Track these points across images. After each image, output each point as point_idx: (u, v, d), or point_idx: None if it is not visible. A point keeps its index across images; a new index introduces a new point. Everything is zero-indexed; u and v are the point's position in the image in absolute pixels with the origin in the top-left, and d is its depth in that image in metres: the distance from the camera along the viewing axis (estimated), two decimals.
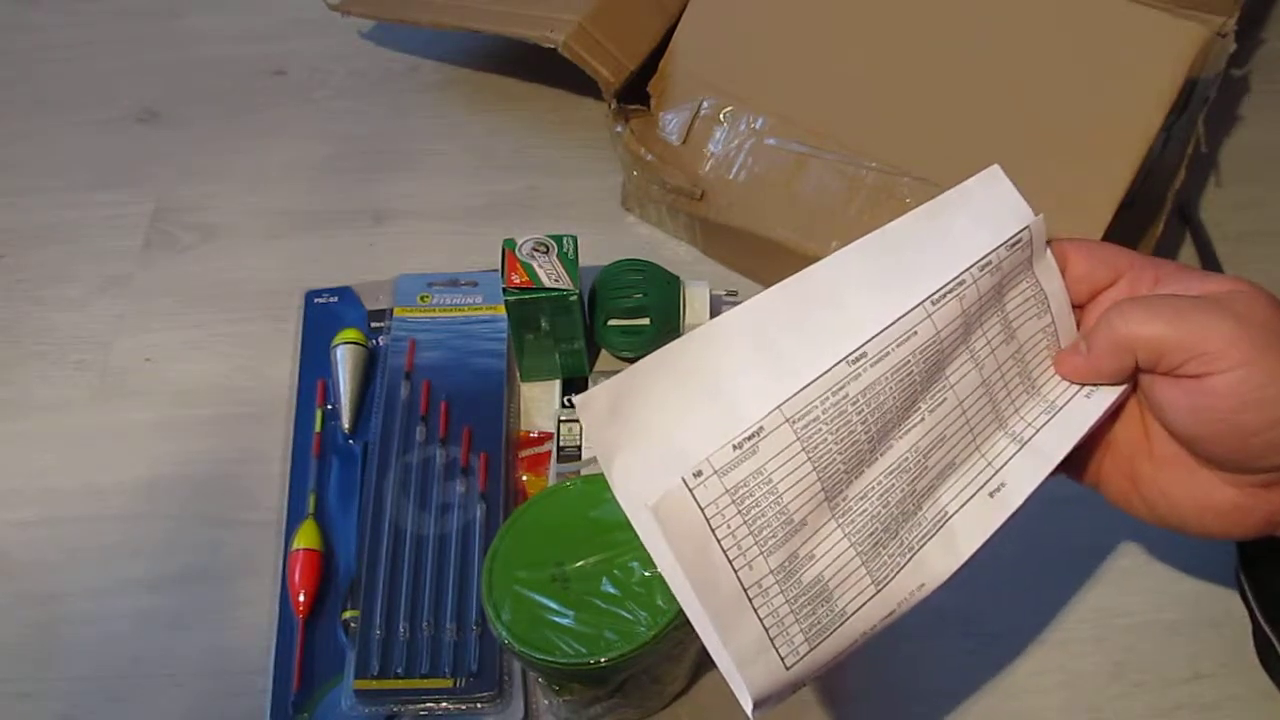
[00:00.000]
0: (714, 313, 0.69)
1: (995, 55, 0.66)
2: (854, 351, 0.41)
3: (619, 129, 0.75)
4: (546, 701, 0.56)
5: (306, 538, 0.62)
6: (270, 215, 0.81)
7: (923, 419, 0.43)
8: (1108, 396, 0.46)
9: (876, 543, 0.42)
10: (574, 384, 0.69)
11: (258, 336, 0.73)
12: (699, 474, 0.39)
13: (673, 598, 0.49)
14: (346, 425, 0.67)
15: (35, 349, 0.74)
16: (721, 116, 0.73)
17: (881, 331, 0.42)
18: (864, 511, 0.42)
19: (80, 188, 0.84)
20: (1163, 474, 0.45)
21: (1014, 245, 0.45)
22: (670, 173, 0.73)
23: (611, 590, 0.50)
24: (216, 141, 0.87)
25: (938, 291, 0.43)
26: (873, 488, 0.42)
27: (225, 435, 0.68)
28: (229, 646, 0.60)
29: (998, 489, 0.45)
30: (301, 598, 0.59)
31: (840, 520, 0.42)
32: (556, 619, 0.49)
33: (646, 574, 0.50)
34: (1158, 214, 0.66)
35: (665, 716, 0.57)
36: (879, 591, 0.42)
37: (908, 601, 0.43)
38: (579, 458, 0.66)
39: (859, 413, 0.41)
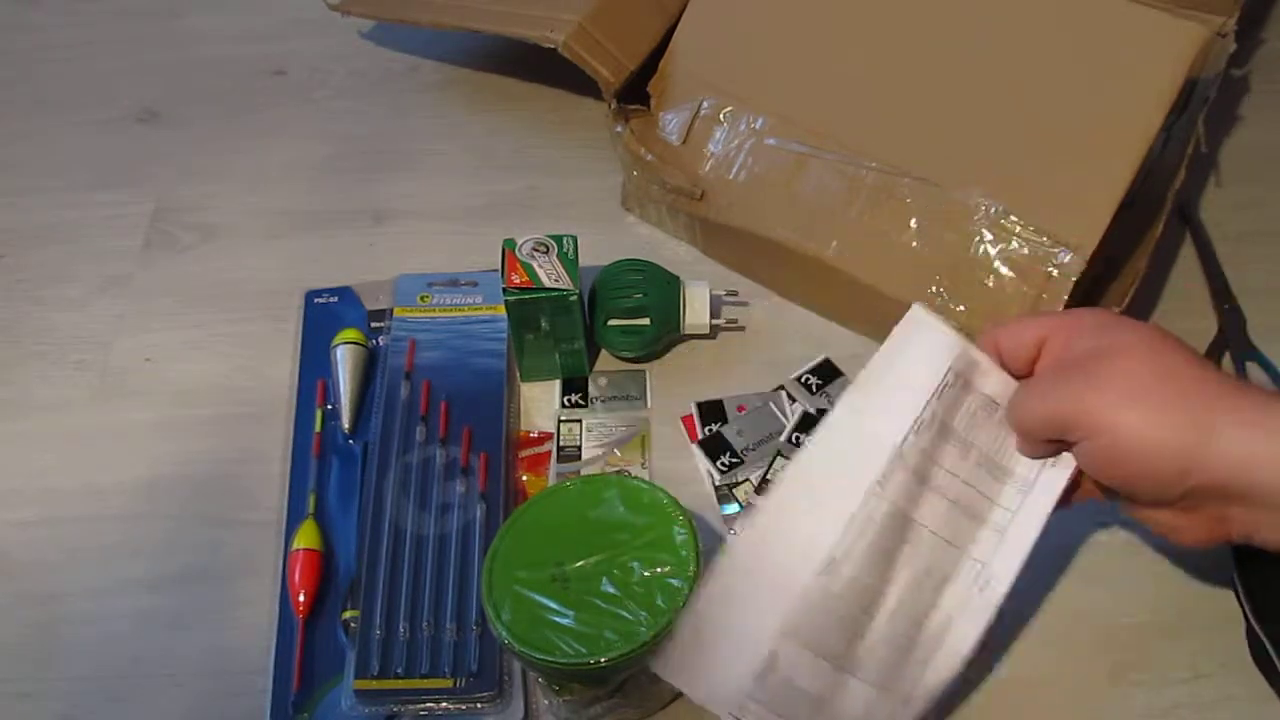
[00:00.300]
0: (714, 313, 0.69)
1: (995, 55, 0.66)
2: (823, 564, 0.49)
3: (619, 129, 0.75)
4: (546, 701, 0.56)
5: (306, 538, 0.62)
6: (270, 215, 0.81)
7: (908, 564, 0.50)
8: (1069, 463, 0.51)
9: (894, 670, 0.49)
10: (574, 384, 0.69)
11: (258, 336, 0.73)
12: (743, 708, 0.48)
13: (673, 598, 0.50)
14: (346, 425, 0.67)
15: (35, 349, 0.74)
16: (721, 116, 0.73)
17: (841, 536, 0.49)
18: (876, 658, 0.49)
19: (80, 188, 0.84)
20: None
21: (943, 389, 0.51)
22: (670, 173, 0.73)
23: (611, 590, 0.50)
24: (216, 141, 0.87)
25: (883, 474, 0.50)
26: (878, 639, 0.49)
27: (225, 435, 0.68)
28: (229, 646, 0.60)
29: (986, 584, 0.50)
30: (301, 598, 0.59)
31: (858, 674, 0.49)
32: (556, 619, 0.49)
33: (646, 574, 0.51)
34: (1158, 214, 0.66)
35: (665, 716, 0.57)
36: (905, 704, 0.49)
37: (927, 698, 0.49)
38: (579, 458, 0.66)
39: (846, 599, 0.49)
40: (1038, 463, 0.52)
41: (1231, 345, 0.69)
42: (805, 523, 0.49)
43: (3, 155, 0.87)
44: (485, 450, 0.65)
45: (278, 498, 0.64)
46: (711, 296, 0.70)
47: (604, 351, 0.71)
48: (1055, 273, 0.63)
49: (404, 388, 0.67)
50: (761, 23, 0.72)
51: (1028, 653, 0.58)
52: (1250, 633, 0.55)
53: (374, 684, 0.56)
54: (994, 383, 0.52)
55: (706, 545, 0.52)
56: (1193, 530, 0.48)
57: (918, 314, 0.52)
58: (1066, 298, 0.62)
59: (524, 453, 0.67)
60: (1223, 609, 0.58)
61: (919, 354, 0.52)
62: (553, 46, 0.74)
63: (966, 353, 0.52)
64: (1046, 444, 0.50)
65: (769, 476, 0.64)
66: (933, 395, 0.51)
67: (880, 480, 0.50)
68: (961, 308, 0.65)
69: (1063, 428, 0.47)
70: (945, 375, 0.51)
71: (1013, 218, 0.64)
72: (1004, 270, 0.64)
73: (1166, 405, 0.45)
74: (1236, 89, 0.84)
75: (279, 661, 0.58)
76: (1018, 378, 0.52)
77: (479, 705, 0.56)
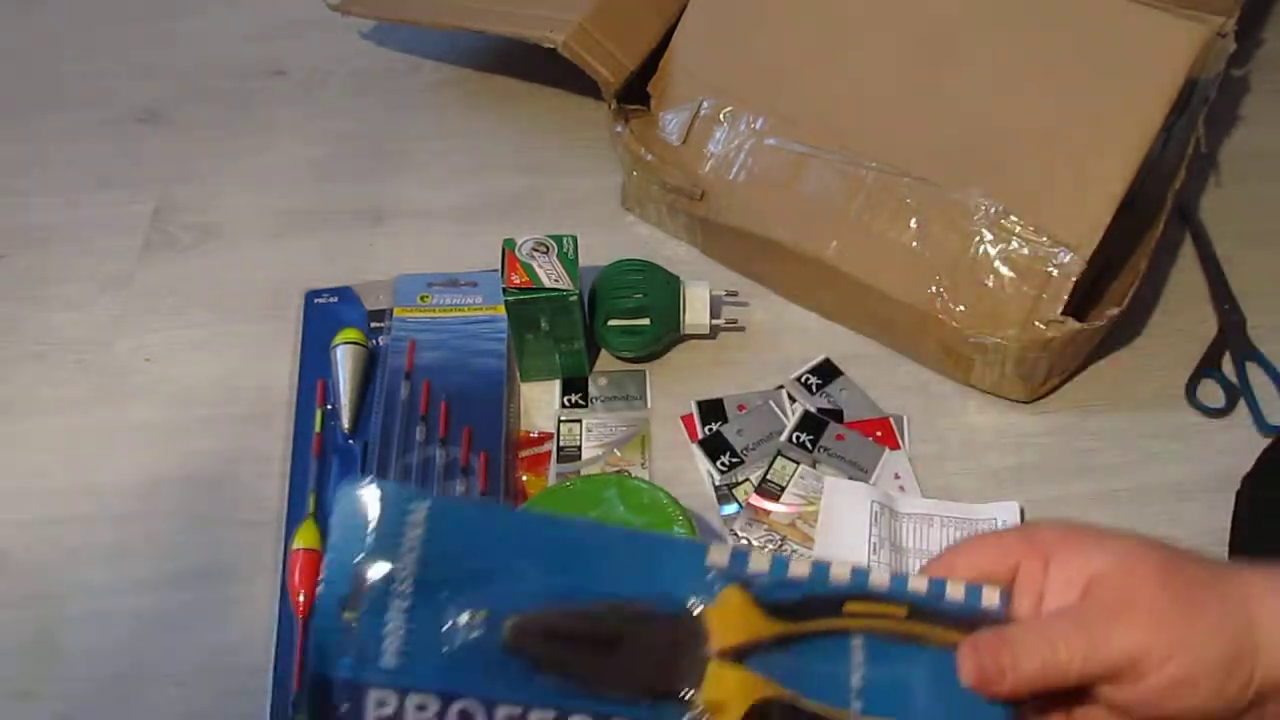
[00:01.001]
0: (714, 313, 0.69)
1: (995, 55, 0.66)
2: None
3: (619, 129, 0.75)
4: None
5: (306, 538, 0.61)
6: (270, 215, 0.81)
7: None
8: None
9: None
10: (574, 384, 0.69)
11: (258, 336, 0.73)
12: None
13: None
14: (346, 425, 0.67)
15: (35, 349, 0.74)
16: (721, 116, 0.73)
17: None
18: None
19: (80, 188, 0.84)
20: None
21: (875, 518, 0.56)
22: (670, 173, 0.73)
23: None
24: (216, 141, 0.87)
25: None
26: None
27: (225, 435, 0.68)
28: (229, 646, 0.60)
29: None
30: (301, 598, 0.59)
31: None
32: None
33: None
34: (1158, 214, 0.66)
35: None
36: None
37: None
38: (579, 458, 0.66)
39: None
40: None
41: (1231, 345, 0.69)
42: None
43: (3, 155, 0.87)
44: (485, 450, 0.65)
45: (278, 498, 0.64)
46: (711, 296, 0.70)
47: (604, 351, 0.71)
48: (1055, 273, 0.63)
49: (404, 388, 0.67)
50: (761, 23, 0.72)
51: None
52: None
53: None
54: (915, 504, 0.63)
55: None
56: None
57: (829, 482, 0.63)
58: (1066, 298, 0.62)
59: (524, 453, 0.67)
60: None
61: (845, 505, 0.62)
62: (553, 46, 0.74)
63: (881, 491, 0.63)
64: (1040, 690, 0.41)
65: (769, 476, 0.64)
66: (870, 525, 0.61)
67: None
68: (961, 308, 0.65)
69: (1112, 669, 0.40)
70: (871, 508, 0.62)
71: (1013, 218, 0.64)
72: (1004, 270, 0.64)
73: (1214, 618, 0.40)
74: (1236, 89, 0.84)
75: (279, 662, 0.58)
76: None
77: None
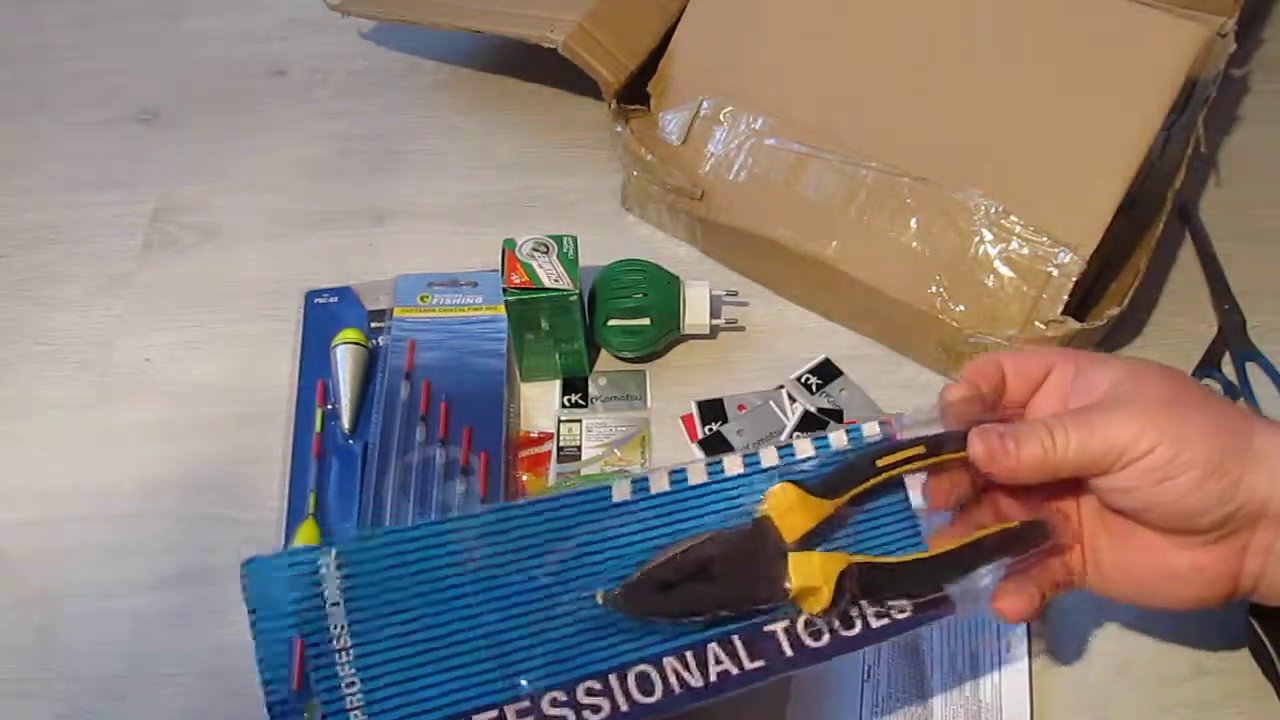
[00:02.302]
0: (714, 313, 0.69)
1: (995, 55, 0.66)
2: (864, 672, 0.55)
3: (619, 129, 0.75)
4: None
5: (306, 538, 0.61)
6: (270, 215, 0.81)
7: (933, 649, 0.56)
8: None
9: None
10: (574, 384, 0.69)
11: (258, 336, 0.73)
12: None
13: None
14: (346, 425, 0.67)
15: (35, 349, 0.74)
16: (721, 116, 0.73)
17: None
18: None
19: (80, 188, 0.84)
20: (1121, 552, 0.48)
21: None
22: (670, 173, 0.73)
23: None
24: (216, 141, 0.87)
25: None
26: None
27: (225, 435, 0.68)
28: (229, 646, 0.60)
29: (1008, 646, 0.55)
30: None
31: None
32: None
33: None
34: (1158, 214, 0.66)
35: (665, 715, 0.57)
36: None
37: None
38: (579, 458, 0.66)
39: (896, 694, 0.55)
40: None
41: (1231, 345, 0.69)
42: None
43: (3, 155, 0.87)
44: (485, 450, 0.65)
45: (278, 498, 0.64)
46: (711, 296, 0.70)
47: (604, 351, 0.71)
48: (1055, 273, 0.63)
49: (404, 388, 0.67)
50: (761, 23, 0.72)
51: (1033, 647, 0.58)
52: (1249, 628, 0.55)
53: None
54: (914, 504, 0.54)
55: None
56: (1200, 576, 0.46)
57: None
58: (1066, 298, 0.62)
59: (524, 453, 0.67)
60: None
61: None
62: (553, 46, 0.74)
63: None
64: (1041, 477, 0.46)
65: None
66: None
67: None
68: (961, 307, 0.65)
69: (1104, 456, 0.45)
70: None
71: (1013, 218, 0.64)
72: (1004, 270, 0.64)
73: (1209, 422, 0.44)
74: (1236, 89, 0.84)
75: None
76: (1016, 403, 0.50)
77: None
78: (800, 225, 0.69)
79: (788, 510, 0.45)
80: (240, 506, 0.65)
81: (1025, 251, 0.63)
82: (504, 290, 0.63)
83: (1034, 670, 0.57)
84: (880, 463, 0.46)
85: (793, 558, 0.44)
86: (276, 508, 0.64)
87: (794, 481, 0.45)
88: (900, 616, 0.46)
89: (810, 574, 0.44)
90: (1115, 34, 0.63)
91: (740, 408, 0.68)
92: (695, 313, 0.69)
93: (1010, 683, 0.55)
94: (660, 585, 0.43)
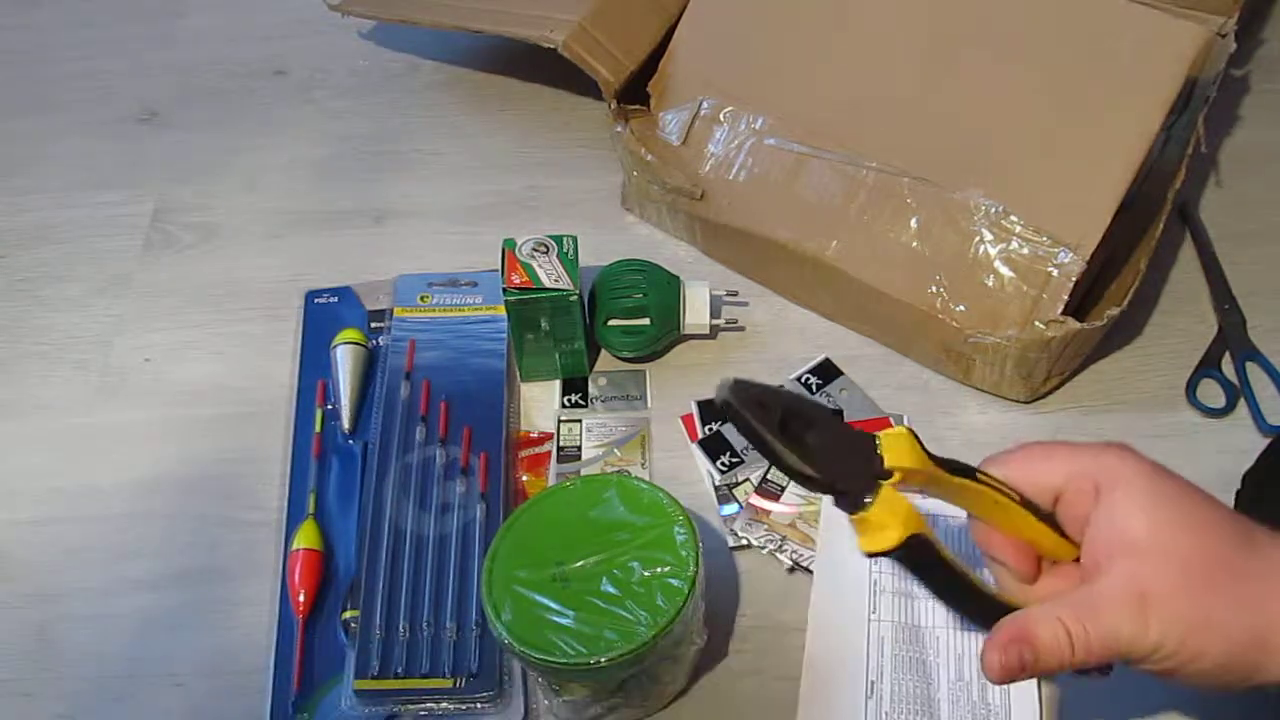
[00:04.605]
0: (714, 313, 0.69)
1: (995, 55, 0.66)
2: (867, 689, 0.55)
3: (619, 129, 0.75)
4: (546, 701, 0.56)
5: (306, 538, 0.61)
6: (270, 215, 0.81)
7: (941, 662, 0.56)
8: None
9: None
10: (574, 384, 0.69)
11: (258, 336, 0.73)
12: None
13: (673, 598, 0.50)
14: (346, 425, 0.67)
15: (35, 349, 0.74)
16: (721, 116, 0.73)
17: (865, 662, 0.55)
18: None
19: (80, 188, 0.84)
20: None
21: None
22: (670, 173, 0.73)
23: (611, 590, 0.50)
24: (216, 141, 0.87)
25: (871, 604, 0.57)
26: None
27: (225, 435, 0.68)
28: (229, 646, 0.60)
29: None
30: (301, 598, 0.59)
31: None
32: (556, 619, 0.49)
33: (646, 574, 0.51)
34: (1158, 214, 0.66)
35: (665, 716, 0.57)
36: None
37: None
38: (579, 458, 0.66)
39: (899, 711, 0.54)
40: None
41: (1231, 345, 0.69)
42: (841, 658, 0.56)
43: (3, 155, 0.87)
44: (485, 450, 0.65)
45: (278, 498, 0.64)
46: (711, 296, 0.70)
47: (604, 351, 0.71)
48: (1055, 273, 0.63)
49: (404, 388, 0.67)
50: (761, 23, 0.72)
51: None
52: None
53: (374, 684, 0.56)
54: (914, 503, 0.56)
55: (706, 545, 0.52)
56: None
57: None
58: (1066, 297, 0.62)
59: (524, 453, 0.67)
60: None
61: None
62: (553, 46, 0.74)
63: None
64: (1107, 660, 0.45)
65: (769, 476, 0.64)
66: None
67: (872, 610, 0.57)
68: (961, 307, 0.65)
69: (1133, 657, 0.43)
70: None
71: (1013, 218, 0.64)
72: (1004, 270, 0.64)
73: (1233, 600, 0.42)
74: (1236, 89, 0.84)
75: (279, 661, 0.58)
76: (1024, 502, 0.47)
77: (479, 705, 0.56)
78: (800, 225, 0.69)
79: (902, 445, 0.44)
80: (240, 506, 0.65)
81: (1025, 251, 0.63)
82: (504, 290, 0.63)
83: None
84: (981, 476, 0.45)
85: (887, 488, 0.43)
86: (276, 508, 0.64)
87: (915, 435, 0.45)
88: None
89: (893, 513, 0.42)
90: (1115, 34, 0.63)
91: None
92: (695, 313, 0.69)
93: (1019, 686, 0.55)
94: (762, 403, 0.42)
